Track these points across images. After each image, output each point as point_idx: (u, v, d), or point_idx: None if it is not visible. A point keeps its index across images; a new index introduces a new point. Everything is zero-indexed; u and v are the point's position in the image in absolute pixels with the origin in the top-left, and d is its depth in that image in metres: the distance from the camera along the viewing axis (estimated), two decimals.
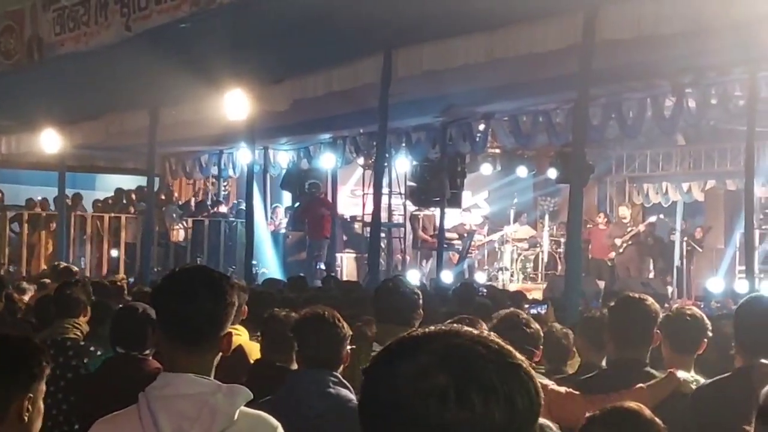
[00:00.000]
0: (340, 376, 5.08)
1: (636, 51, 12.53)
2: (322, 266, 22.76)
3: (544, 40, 12.45)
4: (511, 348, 1.89)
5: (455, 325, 1.95)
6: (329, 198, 24.68)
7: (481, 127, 19.66)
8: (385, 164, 19.14)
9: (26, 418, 3.46)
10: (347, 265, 24.99)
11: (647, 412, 3.97)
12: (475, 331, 1.90)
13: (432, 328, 1.93)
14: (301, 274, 17.14)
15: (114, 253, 24.07)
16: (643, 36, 11.49)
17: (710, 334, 5.86)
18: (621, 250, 23.11)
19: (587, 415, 3.95)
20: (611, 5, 11.52)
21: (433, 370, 1.83)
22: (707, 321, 5.89)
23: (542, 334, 6.19)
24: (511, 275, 24.26)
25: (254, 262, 20.51)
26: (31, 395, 3.47)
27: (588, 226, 21.88)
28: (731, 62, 14.04)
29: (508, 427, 1.81)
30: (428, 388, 1.81)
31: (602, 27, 11.64)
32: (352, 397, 4.87)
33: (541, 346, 6.07)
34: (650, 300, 5.77)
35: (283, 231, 25.78)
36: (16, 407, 3.43)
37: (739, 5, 10.42)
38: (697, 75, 15.04)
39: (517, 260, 24.67)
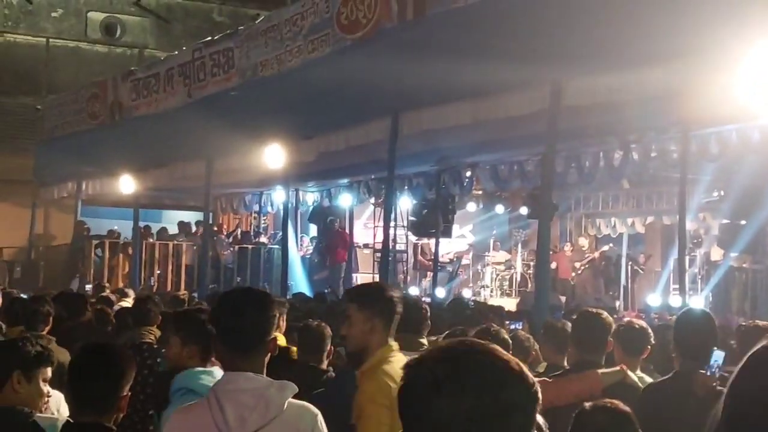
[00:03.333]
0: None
1: (592, 115, 12.55)
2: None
3: (519, 106, 12.48)
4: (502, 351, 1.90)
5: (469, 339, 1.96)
6: (347, 230, 24.66)
7: (468, 173, 19.68)
8: (392, 203, 19.17)
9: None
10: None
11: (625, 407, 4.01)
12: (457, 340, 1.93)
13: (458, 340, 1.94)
14: (325, 291, 17.18)
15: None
16: (598, 103, 11.53)
17: (653, 341, 5.88)
18: (579, 272, 23.10)
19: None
20: (573, 78, 11.56)
21: (434, 367, 1.84)
22: (650, 331, 5.92)
23: (510, 343, 6.22)
24: (491, 291, 24.25)
25: (291, 282, 20.50)
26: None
27: (553, 252, 21.84)
28: (667, 124, 14.06)
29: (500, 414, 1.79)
30: (431, 381, 1.82)
31: (565, 96, 11.68)
32: None
33: (510, 352, 6.08)
34: (605, 314, 5.80)
35: (308, 256, 25.80)
36: None
37: (674, 79, 10.45)
38: (640, 134, 15.06)
39: (495, 279, 24.66)
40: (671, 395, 5.15)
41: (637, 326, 5.95)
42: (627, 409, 3.97)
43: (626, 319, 6.28)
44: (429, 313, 6.66)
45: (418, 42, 11.04)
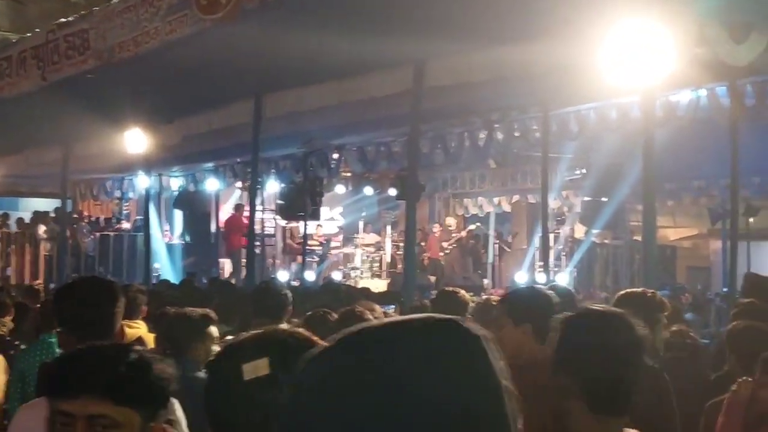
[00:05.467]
0: None
1: (455, 95, 12.69)
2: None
3: (383, 87, 12.55)
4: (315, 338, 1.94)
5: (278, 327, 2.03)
6: (214, 214, 24.41)
7: (335, 156, 19.70)
8: (258, 187, 19.02)
9: None
10: (228, 269, 24.77)
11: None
12: (287, 328, 1.98)
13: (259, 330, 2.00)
14: (189, 277, 17.01)
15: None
16: (461, 83, 11.67)
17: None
18: (448, 252, 23.40)
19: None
20: (435, 59, 11.67)
21: (258, 356, 1.88)
22: (469, 303, 6.09)
23: None
24: (361, 273, 24.35)
25: (157, 265, 20.17)
26: None
27: (421, 232, 22.07)
28: (529, 103, 14.32)
29: None
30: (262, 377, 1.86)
31: (429, 76, 11.79)
32: None
33: None
34: (462, 292, 5.92)
35: (175, 242, 25.46)
36: None
37: (533, 59, 10.64)
38: (503, 113, 15.30)
39: (365, 261, 24.77)
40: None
41: (493, 303, 6.08)
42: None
43: (484, 296, 6.40)
44: (290, 298, 6.61)
45: (280, 22, 10.96)
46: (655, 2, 8.82)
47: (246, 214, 23.09)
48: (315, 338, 1.94)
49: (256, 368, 1.89)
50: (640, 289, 5.22)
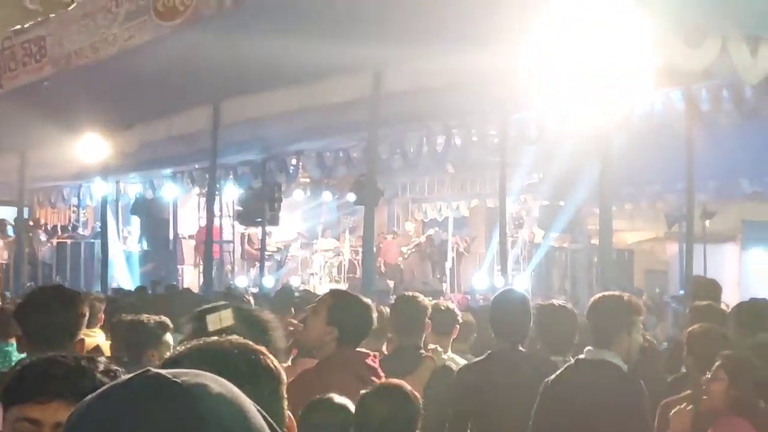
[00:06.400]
0: None
1: (414, 100, 12.72)
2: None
3: (342, 92, 12.55)
4: None
5: None
6: (172, 221, 24.24)
7: (294, 161, 19.68)
8: (216, 193, 18.96)
9: None
10: (188, 275, 24.64)
11: (408, 387, 4.02)
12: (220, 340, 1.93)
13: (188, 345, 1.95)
14: (143, 285, 16.96)
15: None
16: (419, 88, 11.70)
17: (460, 320, 6.05)
18: (406, 257, 23.44)
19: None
20: (394, 64, 11.69)
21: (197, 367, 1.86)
22: (458, 311, 6.09)
23: None
24: (320, 279, 24.32)
25: (113, 277, 20.01)
26: None
27: (381, 237, 22.11)
28: (488, 109, 14.37)
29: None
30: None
31: (387, 81, 11.81)
32: None
33: None
34: (420, 297, 5.92)
35: (133, 251, 25.26)
36: None
37: (491, 65, 10.69)
38: (461, 118, 15.35)
39: (324, 266, 24.74)
40: (491, 373, 5.28)
41: (443, 307, 6.13)
42: (408, 389, 3.99)
43: (434, 301, 6.43)
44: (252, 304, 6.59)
45: (238, 28, 10.95)
46: (611, 9, 8.90)
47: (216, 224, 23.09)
48: (259, 349, 1.90)
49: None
50: (616, 293, 5.24)
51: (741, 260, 18.80)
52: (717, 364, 4.74)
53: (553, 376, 4.93)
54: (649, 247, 25.39)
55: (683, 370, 5.74)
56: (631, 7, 8.88)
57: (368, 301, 4.80)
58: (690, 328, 5.74)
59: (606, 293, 5.22)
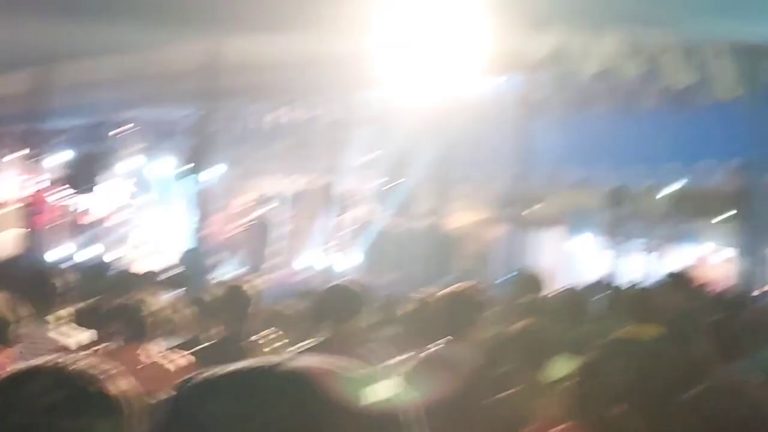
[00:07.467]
0: None
1: (251, 75, 12.53)
2: None
3: (176, 62, 12.23)
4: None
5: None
6: None
7: (121, 129, 19.13)
8: (39, 158, 18.23)
9: None
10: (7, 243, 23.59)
11: None
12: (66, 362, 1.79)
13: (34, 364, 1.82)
14: None
15: None
16: (259, 63, 11.51)
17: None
18: (237, 233, 23.15)
19: None
20: (231, 38, 11.43)
21: (43, 392, 1.71)
22: (255, 296, 5.86)
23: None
24: (145, 251, 23.71)
25: None
26: None
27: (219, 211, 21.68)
28: (326, 87, 14.28)
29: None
30: (41, 408, 1.70)
31: (224, 54, 11.56)
32: None
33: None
34: (247, 284, 5.76)
35: None
36: None
37: (330, 45, 10.59)
38: (299, 95, 15.21)
39: (150, 239, 24.16)
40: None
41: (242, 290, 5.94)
42: None
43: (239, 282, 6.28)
44: (62, 286, 6.14)
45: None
46: None
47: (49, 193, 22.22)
48: (100, 375, 1.76)
49: None
50: (462, 286, 5.19)
51: (564, 246, 19.27)
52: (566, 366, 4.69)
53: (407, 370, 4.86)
54: (475, 230, 25.81)
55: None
56: None
57: None
58: (513, 326, 5.75)
59: (452, 288, 5.13)
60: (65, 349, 5.45)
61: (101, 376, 1.77)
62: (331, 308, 5.23)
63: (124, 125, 18.92)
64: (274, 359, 1.22)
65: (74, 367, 1.77)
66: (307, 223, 24.42)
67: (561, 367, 5.42)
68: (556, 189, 17.92)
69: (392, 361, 5.53)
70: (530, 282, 8.47)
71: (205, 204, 13.62)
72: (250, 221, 23.28)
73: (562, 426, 4.07)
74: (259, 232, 23.34)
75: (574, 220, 18.67)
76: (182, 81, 13.03)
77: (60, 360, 1.80)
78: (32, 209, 15.20)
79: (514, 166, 14.47)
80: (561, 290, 9.07)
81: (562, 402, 4.36)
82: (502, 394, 5.06)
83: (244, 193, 25.25)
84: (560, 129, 14.37)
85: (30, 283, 6.23)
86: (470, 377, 4.70)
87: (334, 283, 6.15)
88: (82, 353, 5.21)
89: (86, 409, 1.71)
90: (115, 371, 1.82)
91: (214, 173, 18.93)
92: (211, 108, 12.67)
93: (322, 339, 5.22)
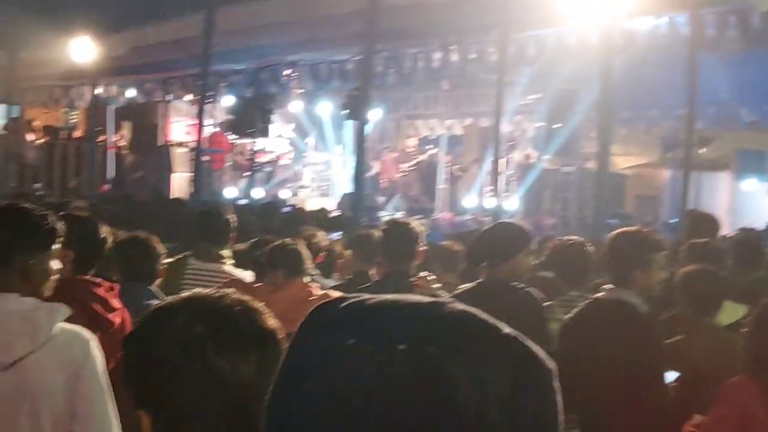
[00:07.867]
0: (156, 289, 4.95)
1: (412, 15, 12.49)
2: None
3: (338, 4, 12.30)
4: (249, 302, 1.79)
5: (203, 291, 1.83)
6: (161, 128, 23.92)
7: (287, 72, 19.38)
8: (209, 101, 18.69)
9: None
10: (178, 184, 24.39)
11: None
12: (219, 293, 1.80)
13: (184, 295, 1.83)
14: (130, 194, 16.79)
15: None
16: (419, 3, 11.46)
17: (423, 244, 5.65)
18: (405, 174, 23.31)
19: None
20: None
21: (191, 324, 1.72)
22: (421, 234, 5.66)
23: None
24: (311, 191, 24.15)
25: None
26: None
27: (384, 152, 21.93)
28: (486, 27, 14.11)
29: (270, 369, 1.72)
30: (189, 340, 1.71)
31: None
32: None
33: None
34: (414, 222, 5.71)
35: (122, 152, 24.97)
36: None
37: None
38: (460, 36, 15.08)
39: (315, 180, 24.57)
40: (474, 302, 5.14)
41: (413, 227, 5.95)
42: None
43: (390, 220, 6.28)
44: (232, 223, 6.35)
45: None
46: None
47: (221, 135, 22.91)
48: (257, 305, 1.78)
49: None
50: (633, 228, 5.08)
51: (734, 189, 18.66)
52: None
53: (570, 315, 4.79)
54: (642, 172, 25.23)
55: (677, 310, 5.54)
56: None
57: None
58: (685, 268, 5.57)
59: (624, 229, 5.01)
60: (239, 282, 5.62)
61: (260, 309, 1.79)
62: (497, 245, 5.16)
63: (289, 68, 19.15)
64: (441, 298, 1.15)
65: (233, 297, 1.80)
66: (468, 166, 24.39)
67: (732, 313, 5.27)
68: (724, 131, 17.35)
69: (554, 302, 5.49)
70: (703, 224, 8.21)
71: (368, 146, 13.73)
72: (414, 164, 23.40)
73: (735, 378, 3.90)
74: (422, 174, 23.43)
75: (745, 163, 18.05)
76: (345, 24, 13.13)
77: (219, 292, 1.83)
78: (205, 150, 15.64)
79: (682, 107, 14.02)
80: (734, 233, 8.78)
81: (734, 351, 4.18)
82: (672, 339, 4.96)
83: (407, 136, 25.37)
84: (730, 68, 13.84)
85: (205, 218, 6.48)
86: (641, 322, 4.59)
87: (497, 221, 6.15)
88: (248, 287, 5.39)
89: (242, 340, 1.72)
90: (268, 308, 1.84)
91: (376, 116, 19.06)
92: (373, 50, 12.69)
93: (484, 278, 5.18)
